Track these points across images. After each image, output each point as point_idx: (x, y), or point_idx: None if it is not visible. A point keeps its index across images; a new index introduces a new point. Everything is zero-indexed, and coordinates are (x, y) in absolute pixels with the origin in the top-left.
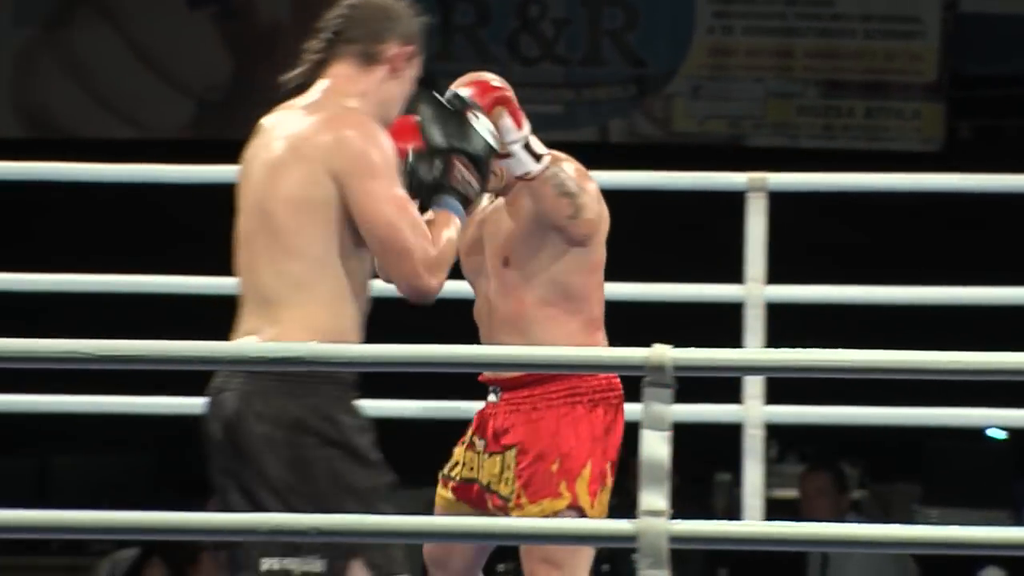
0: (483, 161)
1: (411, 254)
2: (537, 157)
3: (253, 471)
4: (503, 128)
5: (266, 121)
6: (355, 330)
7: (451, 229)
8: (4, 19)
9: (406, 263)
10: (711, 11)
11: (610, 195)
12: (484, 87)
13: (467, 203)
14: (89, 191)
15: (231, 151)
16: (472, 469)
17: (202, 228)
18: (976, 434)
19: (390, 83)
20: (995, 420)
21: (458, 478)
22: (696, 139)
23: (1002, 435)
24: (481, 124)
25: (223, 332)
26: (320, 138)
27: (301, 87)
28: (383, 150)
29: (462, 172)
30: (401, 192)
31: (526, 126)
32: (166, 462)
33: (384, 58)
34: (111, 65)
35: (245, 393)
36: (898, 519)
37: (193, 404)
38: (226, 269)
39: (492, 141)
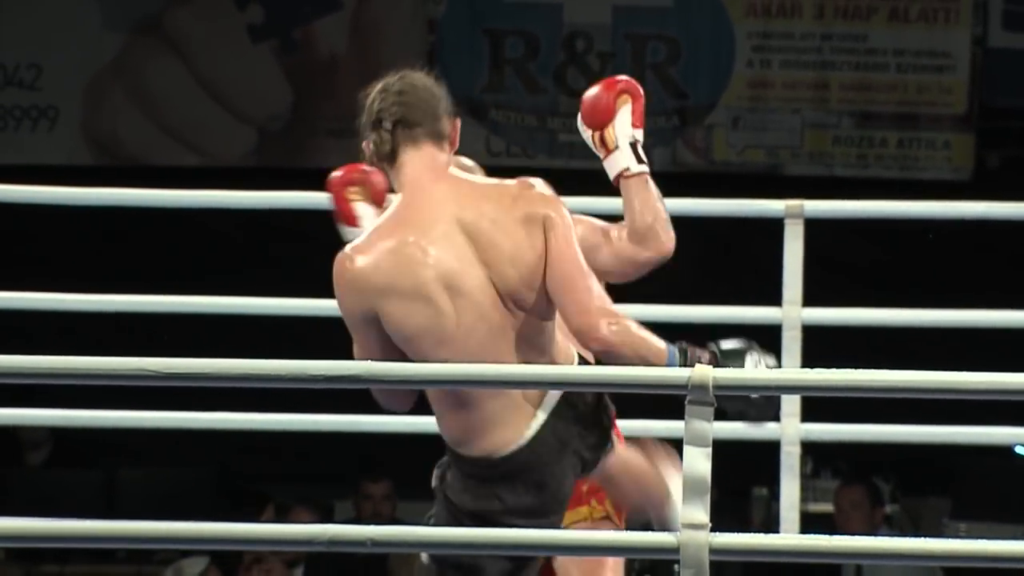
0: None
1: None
2: (639, 160)
3: None
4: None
5: (404, 221)
6: None
7: None
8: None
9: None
10: (750, 45)
11: None
12: (610, 82)
13: None
14: (156, 216)
15: (291, 178)
16: None
17: (263, 252)
18: (1004, 451)
19: (448, 153)
20: (1022, 438)
21: None
22: (735, 168)
23: None
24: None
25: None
26: (517, 205)
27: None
28: None
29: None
30: None
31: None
32: (227, 475)
33: (450, 136)
34: (177, 96)
35: None
36: (928, 532)
37: (252, 420)
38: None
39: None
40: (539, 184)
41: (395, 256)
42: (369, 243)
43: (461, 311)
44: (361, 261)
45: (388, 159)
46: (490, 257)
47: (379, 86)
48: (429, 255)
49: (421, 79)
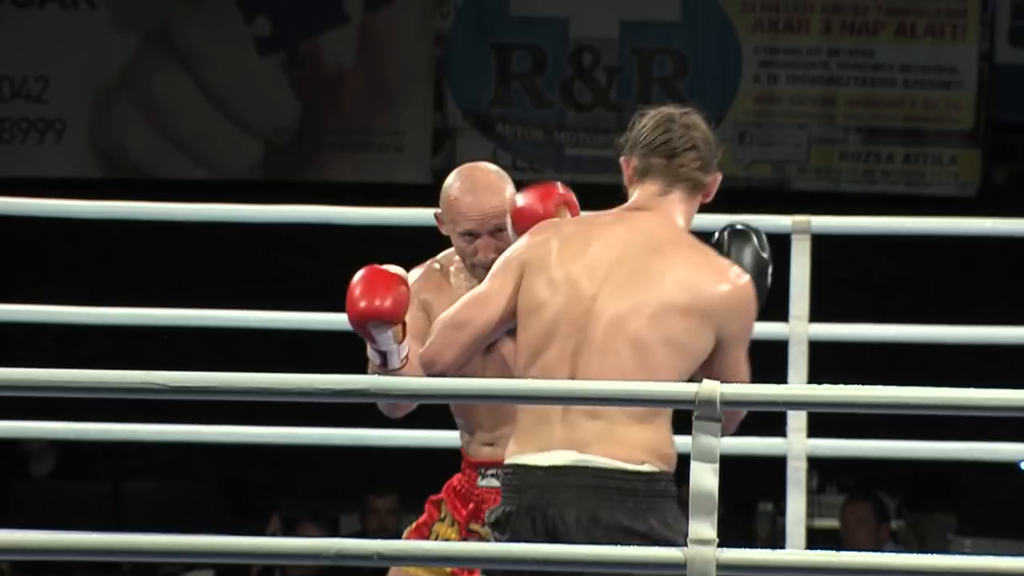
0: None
1: None
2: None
3: None
4: None
5: (596, 222)
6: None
7: None
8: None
9: None
10: (757, 60)
11: None
12: (548, 191)
13: None
14: (162, 229)
15: (298, 191)
16: None
17: (270, 265)
18: (1010, 467)
19: (697, 208)
20: None
21: None
22: (742, 183)
23: None
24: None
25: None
26: (712, 290)
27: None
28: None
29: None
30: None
31: None
32: (234, 488)
33: (706, 188)
34: (184, 108)
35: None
36: (934, 548)
37: (259, 433)
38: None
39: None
40: (747, 290)
41: (563, 242)
42: (568, 222)
43: (567, 320)
44: (552, 229)
45: (641, 181)
46: (614, 284)
47: (662, 113)
48: (578, 256)
49: (703, 123)
